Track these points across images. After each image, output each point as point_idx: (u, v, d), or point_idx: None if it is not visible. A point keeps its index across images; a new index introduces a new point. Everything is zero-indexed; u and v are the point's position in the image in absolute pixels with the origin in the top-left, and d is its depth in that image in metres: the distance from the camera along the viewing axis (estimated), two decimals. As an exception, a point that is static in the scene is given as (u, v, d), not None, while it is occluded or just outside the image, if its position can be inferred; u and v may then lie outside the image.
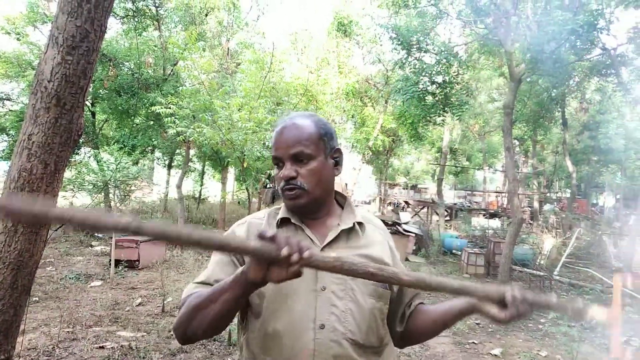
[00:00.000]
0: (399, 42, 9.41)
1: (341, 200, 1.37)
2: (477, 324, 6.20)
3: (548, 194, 25.02)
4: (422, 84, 9.64)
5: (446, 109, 10.01)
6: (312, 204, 1.24)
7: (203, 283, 1.20)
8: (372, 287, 1.19)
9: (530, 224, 17.16)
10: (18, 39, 13.72)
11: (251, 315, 1.21)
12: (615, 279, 2.02)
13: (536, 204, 20.10)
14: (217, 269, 1.22)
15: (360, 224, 1.28)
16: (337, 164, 1.30)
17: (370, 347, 1.19)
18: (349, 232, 1.26)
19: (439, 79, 9.60)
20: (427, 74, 9.42)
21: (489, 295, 1.06)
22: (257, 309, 1.19)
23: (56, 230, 6.11)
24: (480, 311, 1.09)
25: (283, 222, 1.28)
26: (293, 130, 1.22)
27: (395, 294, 1.29)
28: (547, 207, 20.19)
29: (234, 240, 0.94)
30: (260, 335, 1.18)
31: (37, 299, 5.91)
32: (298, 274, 0.90)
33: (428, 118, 10.51)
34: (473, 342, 5.43)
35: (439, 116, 10.55)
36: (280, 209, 1.32)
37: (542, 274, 8.35)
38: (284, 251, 0.86)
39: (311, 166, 1.21)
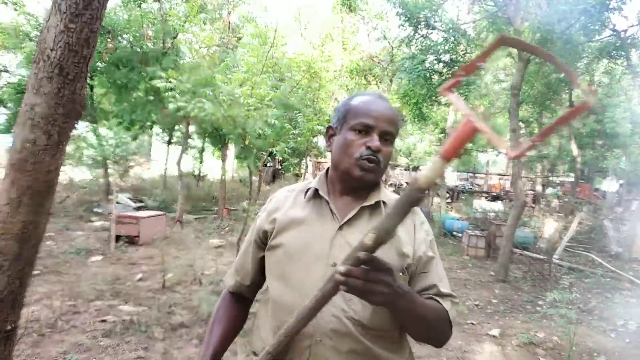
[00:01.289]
0: (406, 18, 9.21)
1: None
2: (475, 305, 6.23)
3: (551, 178, 25.00)
4: (429, 63, 9.49)
5: (452, 89, 9.87)
6: (375, 183, 1.26)
7: (237, 270, 1.42)
8: None
9: (533, 207, 17.17)
10: (15, 9, 13.45)
11: (269, 280, 1.30)
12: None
13: (539, 188, 20.08)
14: (242, 258, 1.41)
15: (384, 202, 1.25)
16: None
17: (378, 330, 1.16)
18: (371, 210, 1.23)
19: (446, 57, 9.44)
20: (434, 52, 9.26)
21: None
22: (272, 278, 1.26)
23: (60, 202, 6.09)
24: None
25: (312, 194, 1.29)
26: (389, 108, 1.24)
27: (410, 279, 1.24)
28: (549, 190, 20.18)
29: None
30: (272, 307, 1.23)
31: (38, 272, 5.91)
32: None
33: (434, 98, 10.39)
34: (471, 323, 5.46)
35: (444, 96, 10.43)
36: (313, 182, 1.33)
37: (542, 257, 8.37)
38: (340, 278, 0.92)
39: (390, 149, 1.23)
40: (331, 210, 1.23)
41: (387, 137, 1.20)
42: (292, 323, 0.99)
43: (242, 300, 1.44)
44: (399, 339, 1.23)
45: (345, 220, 1.20)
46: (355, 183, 1.23)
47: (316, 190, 1.27)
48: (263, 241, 1.31)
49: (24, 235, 1.92)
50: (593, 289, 7.26)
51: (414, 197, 0.85)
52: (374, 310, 1.14)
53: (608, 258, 9.69)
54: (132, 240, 8.16)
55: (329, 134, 1.31)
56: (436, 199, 16.45)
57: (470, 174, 30.07)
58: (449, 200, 19.02)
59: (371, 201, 1.23)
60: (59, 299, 4.88)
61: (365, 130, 1.19)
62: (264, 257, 1.31)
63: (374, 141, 1.17)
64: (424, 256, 1.23)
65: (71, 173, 10.44)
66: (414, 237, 1.24)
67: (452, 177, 27.18)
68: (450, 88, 0.88)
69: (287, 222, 1.25)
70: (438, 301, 1.20)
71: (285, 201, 1.33)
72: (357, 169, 1.18)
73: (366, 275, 0.90)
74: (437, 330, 1.18)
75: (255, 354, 1.26)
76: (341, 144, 1.23)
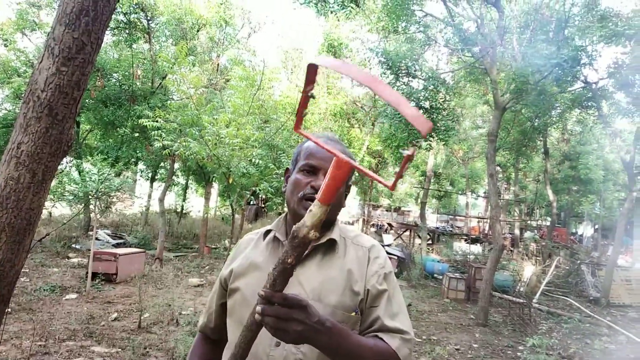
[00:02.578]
0: (388, 67, 9.58)
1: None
2: (456, 349, 6.20)
3: (529, 222, 25.39)
4: (410, 108, 9.78)
5: (432, 134, 10.18)
6: (324, 224, 1.24)
7: (206, 311, 1.45)
8: (331, 309, 1.14)
9: (511, 250, 17.34)
10: (5, 45, 13.60)
11: (227, 323, 1.30)
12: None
13: (517, 231, 20.38)
14: (210, 300, 1.43)
15: (334, 241, 1.25)
16: (346, 196, 1.33)
17: None
18: (325, 249, 1.24)
19: (426, 104, 9.77)
20: (414, 99, 9.58)
21: None
22: (230, 321, 1.27)
23: (39, 240, 5.98)
24: None
25: (271, 237, 1.31)
26: (336, 150, 1.25)
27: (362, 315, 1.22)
28: (527, 234, 20.47)
29: None
30: (228, 349, 1.24)
31: (9, 310, 5.73)
32: None
33: (414, 142, 10.65)
34: (453, 368, 5.42)
35: (425, 141, 10.71)
36: (275, 222, 1.35)
37: (521, 301, 8.41)
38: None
39: (341, 190, 1.23)
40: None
41: None
42: None
43: (210, 341, 1.45)
44: None
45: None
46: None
47: (273, 232, 1.31)
48: (224, 287, 1.34)
49: (0, 273, 1.91)
50: (572, 334, 7.29)
51: (300, 248, 0.85)
52: (320, 352, 1.10)
53: (586, 303, 9.78)
54: (109, 278, 7.99)
55: (286, 175, 1.36)
56: (417, 241, 16.51)
57: (451, 216, 30.36)
58: (429, 242, 19.10)
59: (323, 240, 1.24)
60: (29, 339, 4.73)
61: (311, 170, 1.23)
62: (225, 302, 1.32)
63: (317, 180, 1.20)
64: (372, 289, 1.19)
65: (51, 208, 10.28)
66: (366, 272, 1.22)
67: (433, 219, 27.39)
68: (298, 125, 0.88)
69: (245, 267, 1.28)
70: (382, 339, 1.12)
71: (248, 245, 1.36)
72: (301, 208, 1.20)
73: (278, 313, 0.89)
74: None
75: None
76: (290, 184, 1.26)
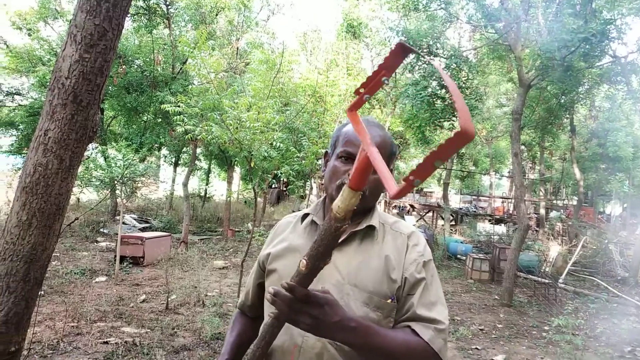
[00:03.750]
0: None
1: None
2: (480, 329, 6.19)
3: (555, 201, 24.90)
4: (432, 88, 9.63)
5: (455, 113, 10.00)
6: (360, 211, 1.24)
7: (245, 289, 1.49)
8: (367, 295, 1.14)
9: (536, 230, 17.08)
10: (29, 34, 13.84)
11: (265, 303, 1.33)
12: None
13: (542, 211, 20.00)
14: (249, 278, 1.47)
15: (373, 227, 1.24)
16: None
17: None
18: (363, 235, 1.23)
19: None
20: (436, 78, 9.40)
21: None
22: (267, 301, 1.27)
23: (69, 225, 6.16)
24: None
25: (308, 221, 1.31)
26: (375, 135, 1.22)
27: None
28: (553, 214, 20.10)
29: None
30: None
31: (42, 293, 5.95)
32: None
33: (437, 122, 10.50)
34: (476, 348, 5.42)
35: (448, 120, 10.54)
36: (312, 205, 1.35)
37: (547, 281, 8.31)
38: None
39: (377, 176, 1.19)
40: None
41: None
42: (257, 343, 1.01)
43: (248, 318, 1.49)
44: None
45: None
46: None
47: (311, 216, 1.31)
48: (262, 267, 1.36)
49: (33, 257, 1.97)
50: (599, 314, 7.18)
51: (333, 227, 0.84)
52: None
53: (614, 282, 9.60)
54: (136, 261, 8.20)
55: (325, 159, 1.34)
56: (440, 222, 16.41)
57: (474, 197, 29.99)
58: (452, 223, 18.96)
59: (361, 226, 1.22)
60: (62, 320, 4.90)
61: (349, 157, 1.21)
62: (263, 282, 1.34)
63: None
64: (410, 278, 1.17)
65: (79, 194, 10.56)
66: (404, 259, 1.20)
67: (456, 200, 27.11)
68: (354, 108, 0.81)
69: (283, 249, 1.29)
70: (415, 330, 1.10)
71: (286, 227, 1.38)
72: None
73: (289, 304, 0.90)
74: None
75: None
76: (328, 170, 1.25)
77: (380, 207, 20.60)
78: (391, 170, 1.28)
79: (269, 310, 1.24)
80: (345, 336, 0.97)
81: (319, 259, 0.88)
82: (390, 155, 1.28)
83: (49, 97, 1.95)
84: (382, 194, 1.30)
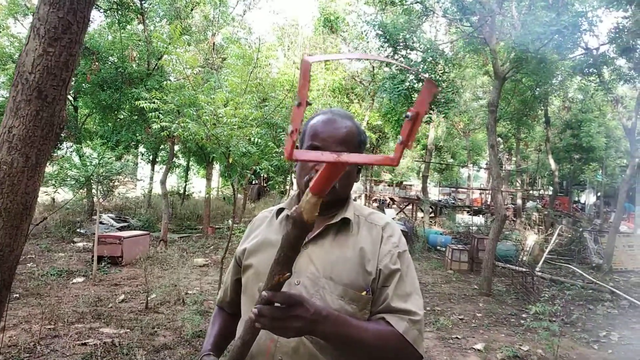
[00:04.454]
0: (386, 40, 9.43)
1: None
2: (460, 319, 6.28)
3: (531, 191, 25.40)
4: (409, 82, 9.68)
5: (432, 106, 10.08)
6: (333, 203, 1.24)
7: (223, 285, 1.50)
8: (342, 288, 1.13)
9: (514, 220, 17.40)
10: (-2, 32, 13.44)
11: (242, 299, 1.32)
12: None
13: (519, 201, 20.39)
14: (227, 275, 1.47)
15: (348, 220, 1.23)
16: (359, 172, 1.32)
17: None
18: (338, 228, 1.23)
19: (425, 76, 9.65)
20: (413, 72, 9.46)
21: None
22: (244, 296, 1.29)
23: (38, 224, 6.02)
24: None
25: (284, 216, 1.30)
26: (341, 127, 1.21)
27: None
28: (529, 204, 20.50)
29: None
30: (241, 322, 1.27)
31: (17, 295, 5.82)
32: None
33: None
34: (457, 337, 5.49)
35: (425, 113, 10.61)
36: (287, 200, 1.35)
37: (524, 270, 8.48)
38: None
39: (347, 169, 1.16)
40: None
41: None
42: (237, 343, 0.98)
43: (227, 314, 1.49)
44: None
45: (309, 238, 1.19)
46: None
47: (286, 211, 1.30)
48: (239, 263, 1.36)
49: (0, 258, 1.92)
50: (575, 301, 7.36)
51: (296, 233, 0.83)
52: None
53: (589, 270, 9.84)
54: (115, 261, 8.07)
55: None
56: (420, 214, 16.56)
57: (453, 189, 30.38)
58: (432, 215, 19.18)
59: (336, 219, 1.22)
60: (38, 323, 4.79)
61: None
62: (240, 278, 1.33)
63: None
64: (385, 269, 1.16)
65: (54, 194, 10.33)
66: (379, 251, 1.19)
67: (435, 192, 27.43)
68: (291, 153, 0.72)
69: (259, 244, 1.28)
70: (389, 322, 1.10)
71: (262, 223, 1.37)
72: None
73: (274, 314, 0.89)
74: (385, 356, 1.08)
75: None
76: (298, 166, 1.25)
77: (361, 201, 20.65)
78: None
79: (247, 308, 1.24)
80: (321, 328, 0.96)
81: (283, 267, 0.87)
82: (359, 144, 1.26)
83: (13, 93, 1.89)
84: (355, 184, 1.29)
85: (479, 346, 5.20)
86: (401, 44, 9.45)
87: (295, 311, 0.91)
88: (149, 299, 5.87)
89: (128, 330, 4.90)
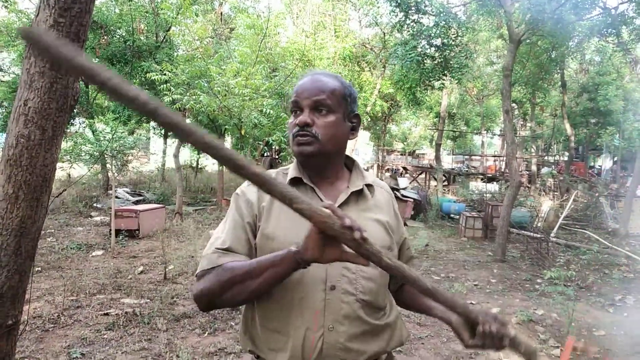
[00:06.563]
0: (397, 4, 9.18)
1: (350, 164, 1.35)
2: (475, 285, 6.31)
3: (546, 157, 25.08)
4: (421, 48, 9.47)
5: (445, 72, 9.89)
6: (321, 156, 1.20)
7: (227, 250, 1.17)
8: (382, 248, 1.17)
9: (528, 187, 17.26)
10: (6, 7, 13.35)
11: None
12: (567, 344, 2.03)
13: (534, 167, 20.17)
14: (233, 236, 1.20)
15: (369, 186, 1.29)
16: (354, 129, 1.29)
17: (378, 307, 1.22)
18: (358, 195, 1.26)
19: (438, 41, 9.42)
20: (425, 37, 9.25)
21: (465, 314, 1.02)
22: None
23: (57, 196, 6.11)
24: (453, 328, 1.10)
25: (294, 183, 1.23)
26: (319, 81, 1.22)
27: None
28: (544, 170, 20.27)
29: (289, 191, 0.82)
30: (268, 298, 1.17)
31: (39, 269, 5.96)
32: (348, 258, 0.93)
33: (427, 82, 10.38)
34: (471, 302, 5.53)
35: (438, 80, 10.42)
36: (290, 168, 1.29)
37: (539, 236, 8.45)
38: (347, 222, 0.86)
39: (329, 119, 1.19)
40: (319, 198, 1.21)
41: (321, 108, 1.19)
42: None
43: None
44: (392, 310, 1.29)
45: (336, 205, 1.13)
46: (301, 159, 1.23)
47: (299, 179, 1.23)
48: (252, 226, 1.22)
49: (22, 230, 1.94)
50: (590, 266, 7.34)
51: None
52: (377, 288, 1.20)
53: (605, 234, 9.78)
54: (132, 234, 8.21)
55: None
56: (433, 183, 16.49)
57: (466, 157, 30.12)
58: (445, 183, 19.10)
59: (358, 186, 1.25)
60: (61, 294, 4.93)
61: (297, 109, 1.21)
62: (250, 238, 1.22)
63: (302, 117, 1.18)
64: (400, 238, 1.37)
65: (70, 169, 10.45)
66: (394, 213, 1.34)
67: (448, 160, 27.24)
68: None
69: (278, 211, 1.20)
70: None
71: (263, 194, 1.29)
72: (296, 145, 1.20)
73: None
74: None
75: (251, 352, 1.24)
76: (288, 128, 1.27)
77: (373, 170, 20.55)
78: (351, 113, 1.27)
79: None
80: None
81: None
82: (344, 97, 1.24)
83: (26, 65, 1.88)
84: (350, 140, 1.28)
85: (494, 311, 5.23)
86: (413, 8, 9.19)
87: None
88: (167, 270, 5.98)
89: (148, 300, 5.01)
